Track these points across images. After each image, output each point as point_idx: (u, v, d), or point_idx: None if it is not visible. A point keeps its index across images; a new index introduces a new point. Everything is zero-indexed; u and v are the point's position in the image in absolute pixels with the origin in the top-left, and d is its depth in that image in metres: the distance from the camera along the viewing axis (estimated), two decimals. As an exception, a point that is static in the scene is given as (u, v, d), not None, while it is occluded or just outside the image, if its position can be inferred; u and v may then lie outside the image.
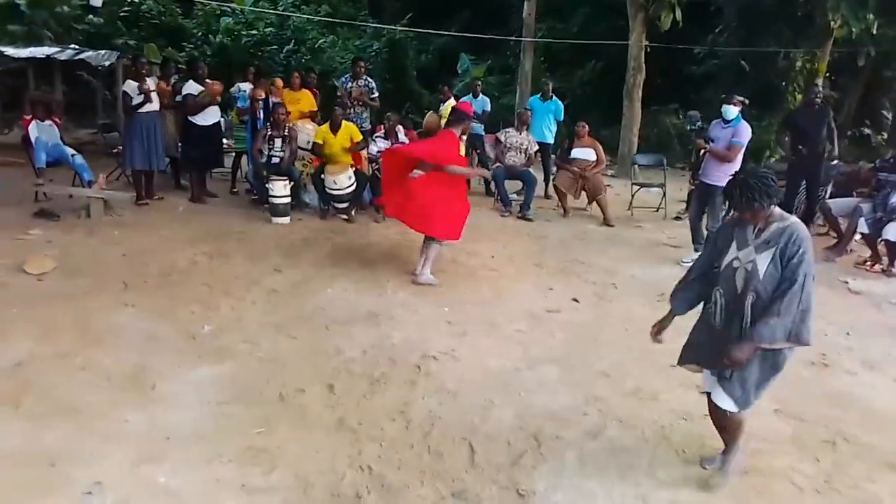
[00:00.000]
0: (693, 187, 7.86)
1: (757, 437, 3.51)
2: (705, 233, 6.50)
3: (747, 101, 6.47)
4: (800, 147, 7.43)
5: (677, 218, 8.76)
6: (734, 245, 2.83)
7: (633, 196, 9.06)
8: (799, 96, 13.94)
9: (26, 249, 5.79)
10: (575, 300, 5.51)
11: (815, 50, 13.33)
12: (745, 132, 6.28)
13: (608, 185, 9.25)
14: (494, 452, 3.26)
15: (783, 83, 14.45)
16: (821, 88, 7.69)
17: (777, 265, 2.71)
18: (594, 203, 8.64)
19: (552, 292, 5.70)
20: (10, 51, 12.08)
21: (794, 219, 2.76)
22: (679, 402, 3.84)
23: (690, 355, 3.10)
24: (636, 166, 10.14)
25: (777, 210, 2.75)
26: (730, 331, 2.84)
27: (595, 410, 3.69)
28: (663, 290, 5.74)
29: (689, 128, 9.12)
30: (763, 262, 2.73)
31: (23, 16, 12.53)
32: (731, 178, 2.80)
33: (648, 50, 12.67)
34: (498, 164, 8.85)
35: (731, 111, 6.31)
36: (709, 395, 3.03)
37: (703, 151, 6.62)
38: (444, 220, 5.68)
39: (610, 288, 5.87)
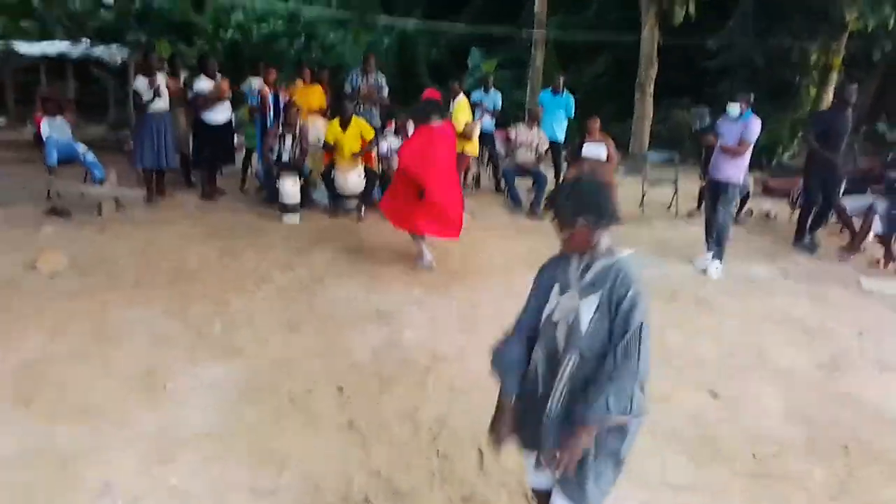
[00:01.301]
0: (704, 184, 7.81)
1: (768, 441, 3.49)
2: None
3: (752, 99, 6.41)
4: (825, 148, 7.18)
5: (689, 215, 8.71)
6: (556, 288, 2.16)
7: (644, 193, 9.01)
8: (814, 91, 13.78)
9: (39, 247, 5.81)
10: (585, 299, 5.47)
11: (831, 44, 13.17)
12: (756, 127, 6.23)
13: (618, 183, 9.20)
14: (504, 456, 3.23)
15: (797, 77, 14.29)
16: (855, 87, 7.34)
17: (604, 315, 2.01)
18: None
19: (563, 291, 5.66)
20: (23, 47, 12.17)
21: (624, 253, 2.09)
22: (691, 404, 3.82)
23: (515, 438, 2.27)
24: (647, 163, 10.07)
25: (606, 242, 2.09)
26: (550, 405, 2.11)
27: (605, 413, 3.67)
28: (675, 288, 5.77)
29: (696, 127, 9.01)
30: (587, 310, 2.03)
31: (34, 11, 12.61)
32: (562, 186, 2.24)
33: (661, 43, 12.57)
34: (508, 160, 8.81)
35: (735, 110, 6.27)
36: (542, 492, 2.33)
37: (711, 147, 6.55)
38: (458, 219, 5.92)
39: (621, 287, 5.82)
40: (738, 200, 7.97)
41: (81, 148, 7.77)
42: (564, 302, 2.10)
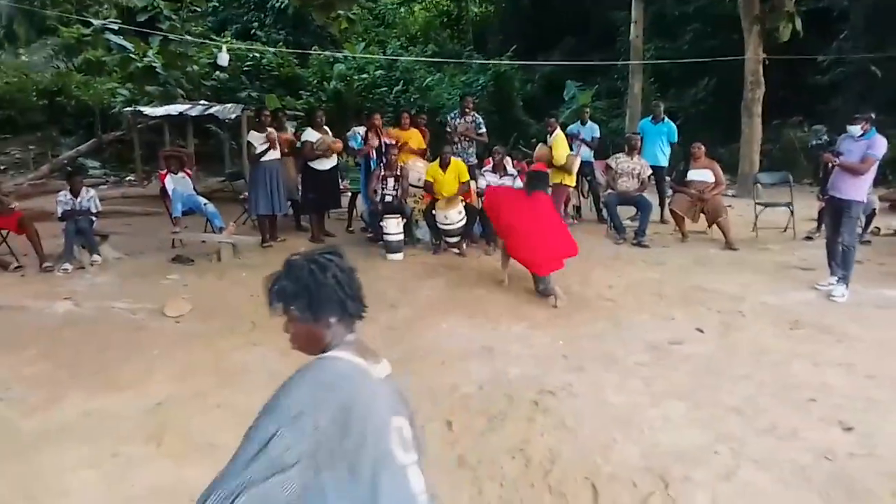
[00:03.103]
0: (823, 204, 7.37)
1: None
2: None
3: (874, 116, 6.00)
4: None
5: (808, 238, 8.23)
6: None
7: (757, 216, 8.61)
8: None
9: (165, 293, 6.23)
10: (699, 330, 5.25)
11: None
12: (881, 144, 5.83)
13: (729, 206, 8.84)
14: (619, 493, 3.13)
15: (921, 87, 13.34)
16: None
17: None
18: (714, 226, 8.27)
19: (674, 322, 5.46)
20: (147, 110, 13.33)
21: (328, 355, 1.58)
22: (821, 439, 3.54)
23: None
24: (759, 185, 9.64)
25: (340, 341, 1.61)
26: None
27: (727, 449, 3.47)
28: (797, 316, 5.43)
29: (814, 142, 8.59)
30: None
31: (158, 77, 13.74)
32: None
33: (767, 63, 12.08)
34: (610, 190, 8.68)
35: (857, 131, 5.89)
36: None
37: (830, 166, 6.17)
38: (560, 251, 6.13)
39: (737, 316, 5.55)
40: (863, 220, 7.47)
41: (202, 199, 8.33)
42: None
